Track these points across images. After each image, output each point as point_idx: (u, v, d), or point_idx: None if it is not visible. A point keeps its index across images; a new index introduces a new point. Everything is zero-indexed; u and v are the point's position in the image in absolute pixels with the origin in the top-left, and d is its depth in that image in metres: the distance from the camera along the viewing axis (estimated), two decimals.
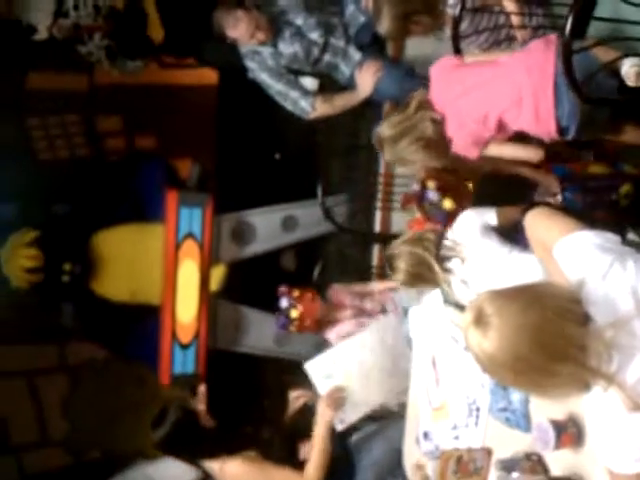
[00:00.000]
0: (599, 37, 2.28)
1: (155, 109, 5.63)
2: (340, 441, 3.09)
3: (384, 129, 2.63)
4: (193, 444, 3.06)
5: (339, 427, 3.01)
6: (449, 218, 2.77)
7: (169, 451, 3.14)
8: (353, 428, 3.14)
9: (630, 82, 2.08)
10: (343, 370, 3.09)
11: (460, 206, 2.80)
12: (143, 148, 5.74)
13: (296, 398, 3.23)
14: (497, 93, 2.42)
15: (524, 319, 1.38)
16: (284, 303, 3.27)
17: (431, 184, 2.84)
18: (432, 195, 2.84)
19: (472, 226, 2.44)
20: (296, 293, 3.27)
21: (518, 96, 2.35)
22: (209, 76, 5.44)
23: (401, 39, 3.50)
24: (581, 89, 2.03)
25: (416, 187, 2.88)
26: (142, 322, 4.60)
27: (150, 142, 5.80)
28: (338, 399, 3.00)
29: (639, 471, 1.42)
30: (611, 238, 1.57)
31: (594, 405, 1.44)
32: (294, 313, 3.24)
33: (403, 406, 3.06)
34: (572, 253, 1.57)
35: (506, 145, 2.61)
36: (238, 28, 3.47)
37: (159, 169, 4.81)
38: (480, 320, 1.41)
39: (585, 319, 1.40)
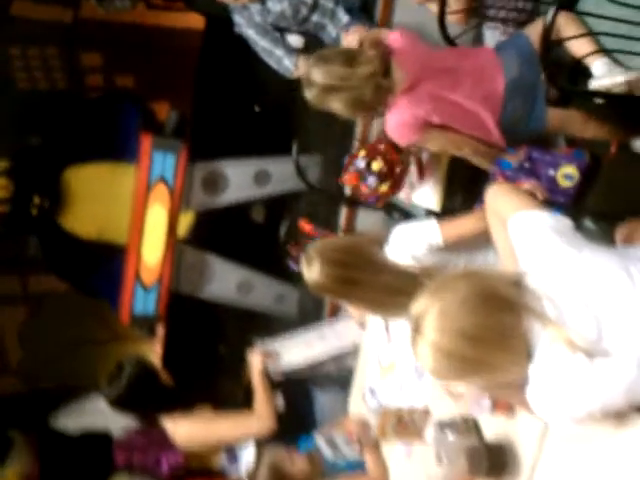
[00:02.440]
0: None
1: (138, 49, 5.59)
2: (295, 382, 3.26)
3: (319, 74, 2.51)
4: (148, 401, 3.08)
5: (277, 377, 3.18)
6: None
7: (124, 407, 3.12)
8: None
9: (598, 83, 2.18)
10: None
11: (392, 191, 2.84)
12: (122, 87, 5.72)
13: (254, 356, 3.28)
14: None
15: (463, 304, 1.45)
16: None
17: (376, 165, 2.82)
18: (371, 180, 2.84)
19: (414, 245, 2.48)
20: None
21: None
22: (196, 21, 5.39)
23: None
24: (557, 78, 2.12)
25: (361, 164, 2.85)
26: (106, 261, 4.64)
27: (130, 82, 5.77)
28: (268, 353, 3.21)
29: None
30: (565, 222, 1.66)
31: (540, 361, 1.48)
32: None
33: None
34: (525, 229, 1.66)
35: None
36: None
37: (136, 110, 4.80)
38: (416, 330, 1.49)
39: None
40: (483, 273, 1.55)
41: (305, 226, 3.21)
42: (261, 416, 2.97)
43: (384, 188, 2.80)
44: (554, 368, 1.44)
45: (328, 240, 2.22)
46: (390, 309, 2.09)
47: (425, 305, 1.49)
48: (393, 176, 2.82)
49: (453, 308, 1.45)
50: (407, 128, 2.60)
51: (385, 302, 2.06)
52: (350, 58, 2.52)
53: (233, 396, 3.32)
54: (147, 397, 3.06)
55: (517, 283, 1.51)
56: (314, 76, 2.52)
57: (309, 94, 2.57)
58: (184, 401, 3.11)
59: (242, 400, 3.24)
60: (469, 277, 1.52)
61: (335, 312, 3.94)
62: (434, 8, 2.89)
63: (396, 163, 2.78)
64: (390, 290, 1.99)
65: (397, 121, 2.60)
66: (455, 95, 2.56)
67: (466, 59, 2.62)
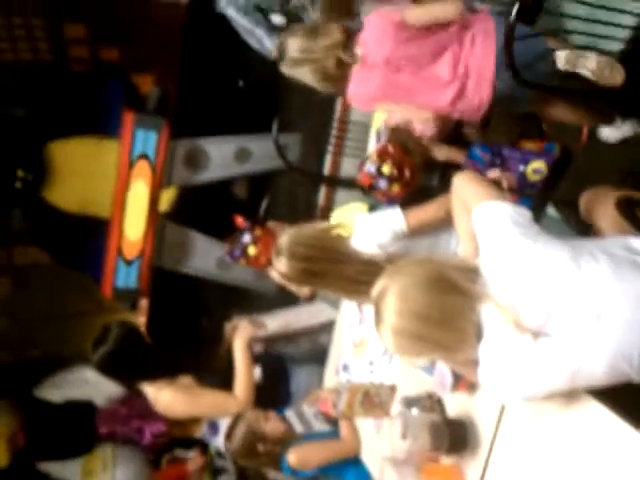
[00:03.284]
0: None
1: (122, 22, 5.58)
2: (273, 355, 3.35)
3: (287, 47, 2.63)
4: (133, 365, 3.06)
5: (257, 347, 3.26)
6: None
7: (108, 371, 3.10)
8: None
9: (559, 64, 2.24)
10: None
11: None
12: (106, 60, 5.71)
13: (231, 329, 3.34)
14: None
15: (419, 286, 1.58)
16: (246, 238, 3.31)
17: (386, 168, 2.83)
18: (382, 184, 2.90)
19: (379, 234, 2.55)
20: (258, 232, 3.36)
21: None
22: None
23: None
24: (519, 72, 2.18)
25: (372, 168, 2.86)
26: (89, 235, 4.69)
27: (114, 54, 5.76)
28: (257, 322, 3.30)
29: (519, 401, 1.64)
30: (524, 213, 1.75)
31: (489, 341, 1.58)
32: (252, 250, 3.30)
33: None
34: (487, 220, 1.75)
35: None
36: None
37: (120, 86, 4.81)
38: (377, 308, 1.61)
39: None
40: (437, 259, 1.68)
41: (237, 220, 3.32)
42: (239, 397, 3.04)
43: (396, 189, 2.85)
44: (501, 348, 1.55)
45: (296, 232, 2.27)
46: (357, 296, 2.20)
47: (382, 289, 1.62)
48: (403, 177, 2.88)
49: (407, 291, 1.58)
50: (363, 99, 2.70)
51: (351, 291, 2.17)
52: (313, 30, 2.63)
53: (213, 364, 3.37)
54: (132, 360, 3.04)
55: (470, 269, 1.63)
56: (284, 49, 2.64)
57: (283, 68, 2.67)
58: (168, 367, 3.14)
59: (222, 368, 3.30)
60: (423, 262, 1.66)
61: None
62: None
63: (405, 164, 2.84)
64: (355, 280, 2.07)
65: (352, 92, 2.68)
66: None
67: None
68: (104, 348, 2.97)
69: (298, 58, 2.60)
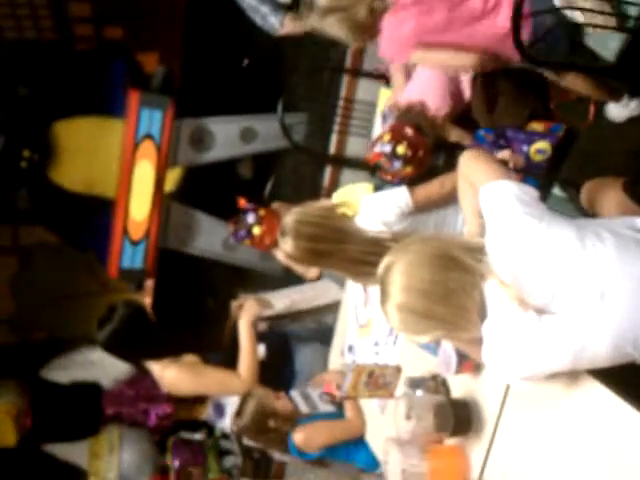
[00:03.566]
0: None
1: (127, 0, 5.56)
2: (278, 333, 3.35)
3: None
4: (139, 343, 3.07)
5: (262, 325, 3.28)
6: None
7: (114, 349, 3.10)
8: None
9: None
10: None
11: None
12: (111, 38, 5.68)
13: (237, 308, 3.34)
14: None
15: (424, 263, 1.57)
16: (250, 218, 3.33)
17: (401, 149, 2.79)
18: (397, 164, 2.87)
19: (384, 212, 2.53)
20: (262, 212, 3.36)
21: None
22: None
23: None
24: (525, 50, 2.15)
25: (387, 148, 2.81)
26: (95, 215, 4.69)
27: (118, 33, 5.73)
28: (263, 301, 3.30)
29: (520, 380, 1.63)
30: (531, 192, 1.73)
31: (492, 319, 1.57)
32: (257, 230, 3.31)
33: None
34: (493, 199, 1.74)
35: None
36: None
37: (125, 65, 4.78)
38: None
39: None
40: (442, 237, 1.70)
41: (240, 201, 3.31)
42: (243, 377, 3.05)
43: (408, 170, 2.83)
44: (505, 325, 1.54)
45: (301, 211, 2.25)
46: (362, 277, 2.18)
47: (388, 266, 1.62)
48: (416, 158, 2.85)
49: (413, 267, 1.58)
50: (397, 46, 2.60)
51: (357, 271, 2.15)
52: None
53: (218, 342, 3.37)
54: (138, 338, 3.05)
55: (476, 247, 1.62)
56: (315, 1, 2.59)
57: (313, 21, 2.62)
58: (173, 346, 3.14)
59: (227, 346, 3.31)
60: (428, 240, 1.66)
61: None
62: None
63: (420, 146, 2.82)
64: (361, 260, 2.06)
65: (385, 40, 2.60)
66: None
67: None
68: (110, 326, 2.97)
69: (328, 7, 2.55)
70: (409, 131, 2.76)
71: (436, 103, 2.93)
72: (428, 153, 2.84)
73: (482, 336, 1.59)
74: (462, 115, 2.98)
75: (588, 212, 2.23)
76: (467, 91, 3.00)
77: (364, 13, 2.54)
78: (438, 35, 2.53)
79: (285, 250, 2.20)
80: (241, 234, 3.35)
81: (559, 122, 2.65)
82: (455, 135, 2.83)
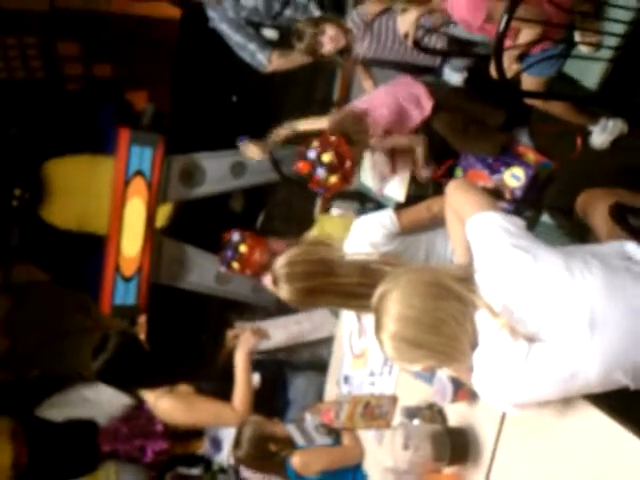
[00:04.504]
0: None
1: (115, 38, 5.62)
2: (272, 362, 3.35)
3: None
4: (133, 372, 3.07)
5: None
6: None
7: (109, 378, 3.12)
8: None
9: None
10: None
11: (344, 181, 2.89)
12: (100, 77, 5.74)
13: (233, 337, 3.36)
14: None
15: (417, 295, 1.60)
16: (235, 237, 3.34)
17: (326, 157, 2.84)
18: (320, 172, 2.85)
19: (371, 233, 2.54)
20: (247, 233, 3.39)
21: None
22: (172, 9, 5.42)
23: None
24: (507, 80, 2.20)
25: (312, 155, 2.85)
26: (86, 252, 4.69)
27: (107, 71, 5.79)
28: (260, 331, 3.29)
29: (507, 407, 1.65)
30: (517, 223, 1.76)
31: (483, 348, 1.59)
32: (243, 248, 3.31)
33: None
34: (480, 231, 1.77)
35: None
36: None
37: (114, 103, 4.83)
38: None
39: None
40: (435, 267, 1.72)
41: (225, 235, 3.36)
42: (237, 409, 3.05)
43: (333, 180, 2.84)
44: (496, 353, 1.56)
45: (287, 254, 2.24)
46: (359, 309, 2.20)
47: (382, 295, 1.64)
48: (343, 169, 2.85)
49: (406, 296, 1.60)
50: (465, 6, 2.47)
51: (353, 305, 2.17)
52: None
53: (212, 372, 3.37)
54: (132, 368, 3.05)
55: (467, 277, 1.64)
56: None
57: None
58: (167, 375, 3.15)
59: (220, 376, 3.31)
60: (421, 270, 1.69)
61: None
62: None
63: (347, 156, 2.82)
64: (355, 294, 2.05)
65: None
66: None
67: None
68: (104, 355, 2.98)
69: None
70: (334, 139, 2.80)
71: (382, 114, 2.96)
72: (355, 166, 2.87)
73: (472, 364, 1.61)
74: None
75: (582, 221, 2.25)
76: (426, 107, 3.03)
77: None
78: None
79: (282, 297, 2.19)
80: (228, 255, 3.35)
81: (550, 161, 2.69)
82: (399, 141, 2.84)
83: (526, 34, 2.42)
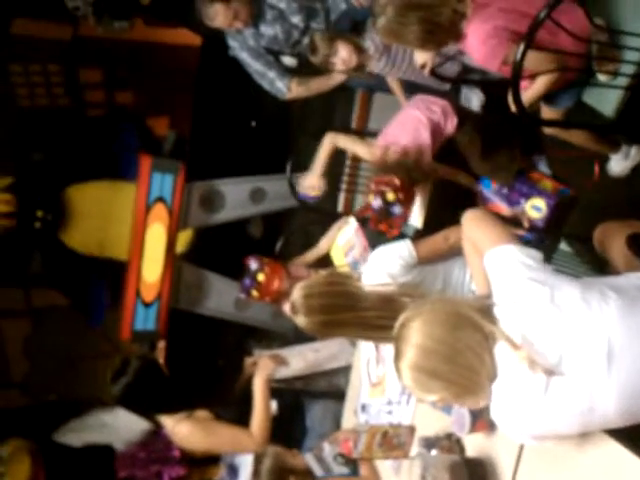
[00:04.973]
0: None
1: (136, 65, 5.70)
2: (289, 391, 3.35)
3: None
4: (153, 397, 3.08)
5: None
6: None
7: (129, 403, 3.13)
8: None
9: None
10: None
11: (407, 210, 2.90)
12: (122, 103, 5.81)
13: (251, 364, 3.37)
14: None
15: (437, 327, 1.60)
16: (253, 265, 3.37)
17: (390, 195, 2.82)
18: (397, 209, 2.84)
19: (389, 265, 2.55)
20: (265, 260, 3.41)
21: None
22: (193, 37, 5.49)
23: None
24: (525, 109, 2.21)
25: (375, 202, 2.82)
26: (107, 277, 4.73)
27: (129, 98, 5.87)
28: (279, 358, 3.29)
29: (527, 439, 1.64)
30: (534, 255, 1.76)
31: (502, 380, 1.59)
32: (261, 276, 3.34)
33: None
34: (497, 265, 1.77)
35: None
36: (215, 21, 3.58)
37: (135, 130, 4.89)
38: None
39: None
40: (456, 298, 1.74)
41: (245, 260, 3.40)
42: (255, 435, 3.05)
43: (406, 209, 2.87)
44: (515, 386, 1.56)
45: (306, 285, 2.22)
46: (376, 339, 2.20)
47: (403, 323, 1.65)
48: (407, 196, 2.87)
49: (426, 325, 1.60)
50: (493, 41, 2.40)
51: (373, 337, 2.16)
52: None
53: (230, 398, 3.37)
54: (151, 392, 3.06)
55: (487, 309, 1.64)
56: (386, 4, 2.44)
57: (383, 20, 2.46)
58: (185, 400, 3.15)
59: (239, 402, 3.31)
60: (442, 301, 1.69)
61: None
62: None
63: (401, 184, 2.83)
64: (376, 325, 2.02)
65: (479, 39, 2.43)
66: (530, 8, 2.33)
67: None
68: (124, 380, 2.99)
69: (412, 2, 2.39)
70: (384, 180, 2.81)
71: (423, 136, 2.98)
72: (411, 186, 2.88)
73: (490, 397, 1.60)
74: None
75: (600, 254, 2.25)
76: (449, 125, 3.05)
77: (448, 15, 2.39)
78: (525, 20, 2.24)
79: (301, 325, 2.18)
80: (247, 283, 3.38)
81: (568, 187, 2.69)
82: (445, 171, 2.86)
83: (542, 80, 2.41)
